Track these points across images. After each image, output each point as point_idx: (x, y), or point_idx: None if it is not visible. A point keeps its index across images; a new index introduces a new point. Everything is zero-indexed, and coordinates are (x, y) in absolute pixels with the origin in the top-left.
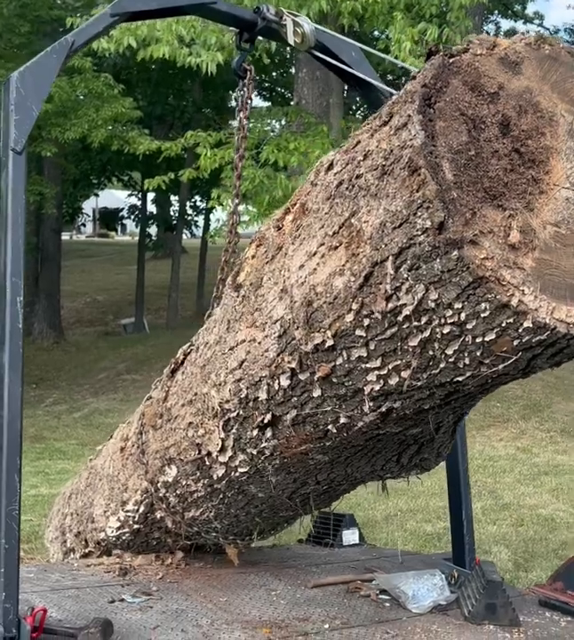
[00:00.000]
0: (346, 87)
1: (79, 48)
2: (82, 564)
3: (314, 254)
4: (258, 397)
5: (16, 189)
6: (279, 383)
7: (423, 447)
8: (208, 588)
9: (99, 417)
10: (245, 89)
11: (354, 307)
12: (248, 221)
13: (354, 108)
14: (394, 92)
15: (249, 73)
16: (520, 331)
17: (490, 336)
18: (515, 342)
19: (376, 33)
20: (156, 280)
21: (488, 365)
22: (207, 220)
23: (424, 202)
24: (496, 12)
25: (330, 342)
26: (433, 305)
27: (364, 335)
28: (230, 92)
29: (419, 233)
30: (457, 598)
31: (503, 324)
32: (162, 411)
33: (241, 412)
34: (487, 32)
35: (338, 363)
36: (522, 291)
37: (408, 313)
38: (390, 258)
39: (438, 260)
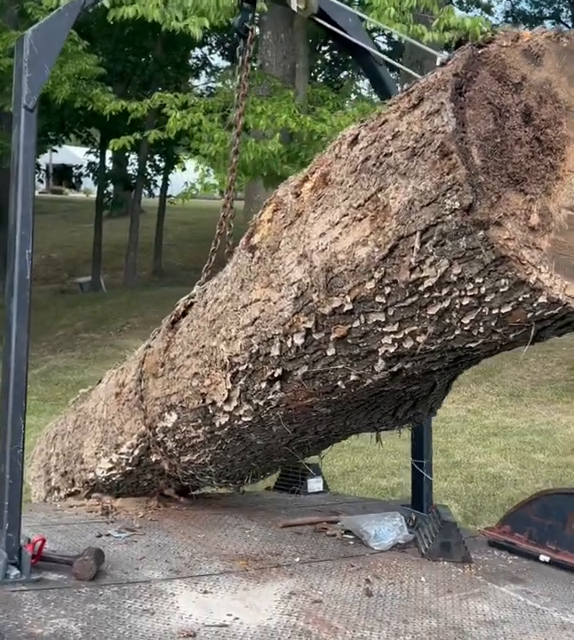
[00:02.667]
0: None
1: (89, 6)
2: (64, 505)
3: (337, 224)
4: (269, 353)
5: (27, 145)
6: (292, 341)
7: (418, 403)
8: (186, 526)
9: (57, 374)
10: (246, 48)
11: (377, 275)
12: (219, 185)
13: (316, 70)
14: (386, 58)
15: (251, 32)
16: (534, 305)
17: (506, 308)
18: (529, 315)
19: None
20: (112, 239)
21: (500, 334)
22: (166, 180)
23: (453, 184)
24: None
25: (348, 306)
26: (455, 279)
27: (384, 302)
28: (191, 51)
29: (447, 213)
30: (415, 538)
31: (520, 299)
32: (163, 360)
33: (250, 366)
34: None
35: (354, 325)
36: (540, 269)
37: (430, 284)
38: (417, 233)
39: (464, 239)
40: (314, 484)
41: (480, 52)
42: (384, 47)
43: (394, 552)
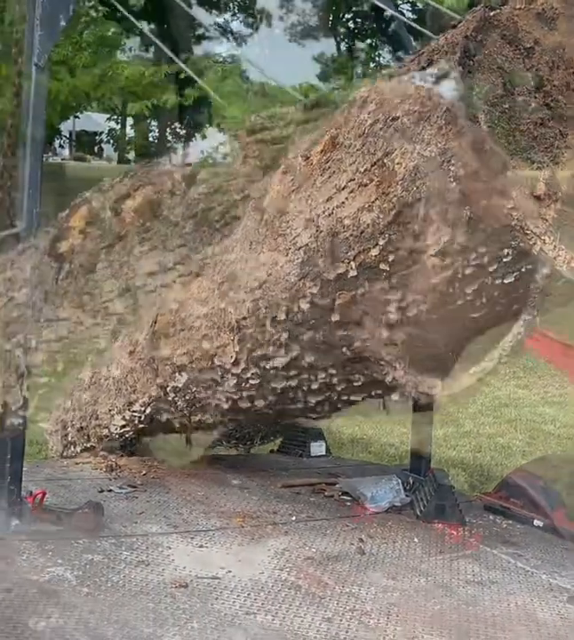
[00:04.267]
0: None
1: None
2: (70, 462)
3: (343, 188)
4: (276, 317)
5: (37, 103)
6: (299, 306)
7: None
8: (187, 484)
9: None
10: None
11: (381, 242)
12: None
13: (339, 39)
14: (405, 19)
15: None
16: (537, 276)
17: (509, 279)
18: (532, 286)
19: None
20: None
21: (502, 305)
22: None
23: (459, 151)
24: None
25: (353, 273)
26: (458, 248)
27: (388, 269)
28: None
29: (451, 180)
30: (411, 501)
31: (522, 270)
32: (175, 320)
33: (257, 330)
34: None
35: (358, 292)
36: (544, 240)
37: (433, 253)
38: (422, 200)
39: (467, 207)
40: (317, 448)
41: (492, 14)
42: (409, 14)
43: (390, 514)
